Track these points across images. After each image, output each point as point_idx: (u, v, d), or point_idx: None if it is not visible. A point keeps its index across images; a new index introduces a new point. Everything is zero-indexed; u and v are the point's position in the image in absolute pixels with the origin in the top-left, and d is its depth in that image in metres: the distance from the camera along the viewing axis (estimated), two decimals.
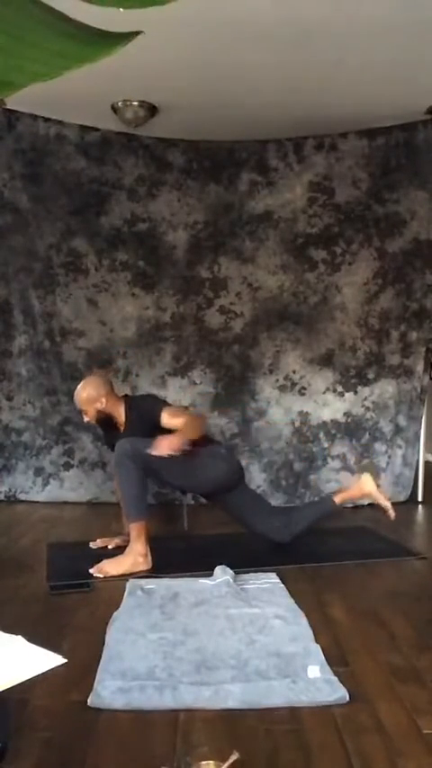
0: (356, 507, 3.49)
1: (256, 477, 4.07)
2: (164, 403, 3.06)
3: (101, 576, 2.64)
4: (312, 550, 3.03)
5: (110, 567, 2.68)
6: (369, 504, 3.42)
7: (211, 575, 2.58)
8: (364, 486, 3.09)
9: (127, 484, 2.81)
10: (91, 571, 2.66)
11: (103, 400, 3.01)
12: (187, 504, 3.61)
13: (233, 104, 3.70)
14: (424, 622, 2.20)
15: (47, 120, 3.96)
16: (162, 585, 2.50)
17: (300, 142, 4.08)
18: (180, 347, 4.17)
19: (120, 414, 3.03)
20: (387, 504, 3.07)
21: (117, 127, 3.95)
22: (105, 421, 3.07)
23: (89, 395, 3.02)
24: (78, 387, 3.08)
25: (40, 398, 4.11)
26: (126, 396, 3.21)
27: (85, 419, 3.11)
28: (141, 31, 0.62)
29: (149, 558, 2.75)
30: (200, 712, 1.59)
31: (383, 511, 3.08)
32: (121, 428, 3.04)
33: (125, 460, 2.80)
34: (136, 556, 2.73)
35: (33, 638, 1.95)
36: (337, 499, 3.12)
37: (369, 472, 3.21)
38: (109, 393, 3.05)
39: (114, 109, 3.75)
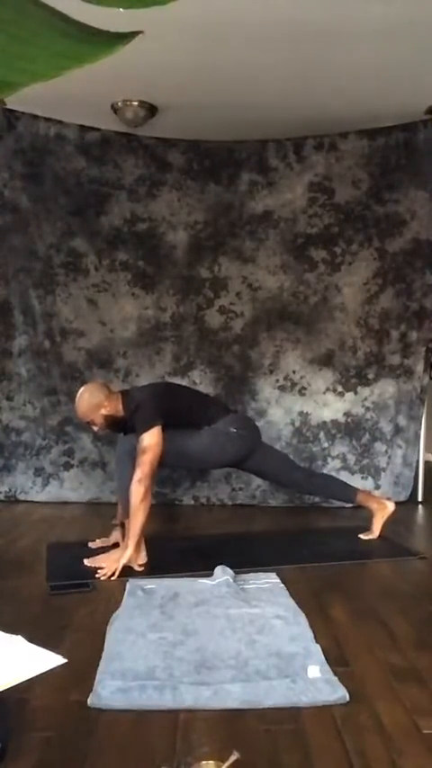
0: (357, 507, 3.49)
1: (256, 477, 4.06)
2: (148, 421, 2.83)
3: (93, 565, 2.68)
4: (312, 550, 3.04)
5: (104, 561, 2.70)
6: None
7: (211, 575, 2.58)
8: (385, 508, 3.23)
9: (126, 481, 2.82)
10: (86, 561, 2.72)
11: (105, 403, 2.94)
12: (187, 505, 3.61)
13: (233, 104, 3.70)
14: (424, 622, 2.20)
15: (47, 120, 3.96)
16: (162, 585, 2.50)
17: (300, 142, 4.08)
18: (180, 347, 4.17)
19: (120, 411, 2.97)
20: (374, 534, 3.20)
21: (117, 127, 3.95)
22: (116, 424, 3.00)
23: (89, 403, 2.94)
24: (76, 401, 3.00)
25: (40, 398, 4.11)
26: (122, 391, 3.11)
27: (95, 429, 3.06)
28: (141, 31, 0.62)
29: (144, 552, 2.77)
30: (200, 712, 1.58)
31: (367, 531, 3.22)
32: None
33: (125, 458, 2.87)
34: (126, 549, 2.71)
35: (33, 638, 1.95)
36: (359, 497, 3.28)
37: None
38: (108, 395, 2.98)
39: (114, 109, 3.75)
